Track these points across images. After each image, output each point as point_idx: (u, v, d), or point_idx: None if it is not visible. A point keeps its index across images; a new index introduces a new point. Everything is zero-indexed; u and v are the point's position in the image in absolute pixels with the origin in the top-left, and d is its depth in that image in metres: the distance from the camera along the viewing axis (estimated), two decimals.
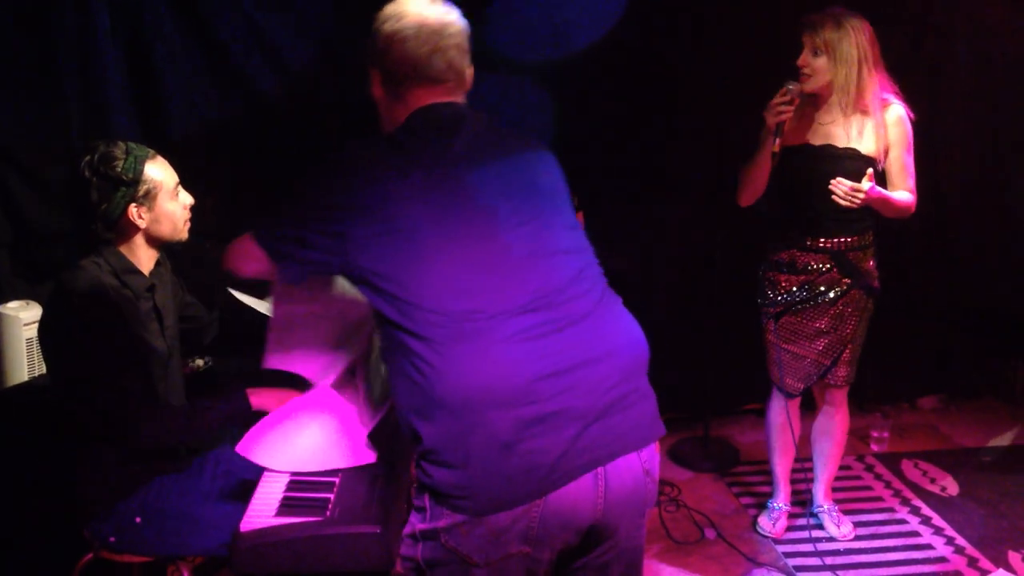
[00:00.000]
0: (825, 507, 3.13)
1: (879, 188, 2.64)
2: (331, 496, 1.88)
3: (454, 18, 1.74)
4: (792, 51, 3.52)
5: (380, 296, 1.60)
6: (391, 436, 2.07)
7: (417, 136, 1.69)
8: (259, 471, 2.08)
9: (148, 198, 2.12)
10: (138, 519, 2.12)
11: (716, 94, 3.57)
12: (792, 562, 2.96)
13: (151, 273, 2.22)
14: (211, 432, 2.18)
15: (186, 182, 3.22)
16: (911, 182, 2.75)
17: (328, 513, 1.82)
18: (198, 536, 2.10)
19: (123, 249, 2.16)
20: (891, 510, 3.28)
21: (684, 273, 3.74)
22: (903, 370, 4.07)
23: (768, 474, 3.21)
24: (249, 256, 1.76)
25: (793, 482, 3.16)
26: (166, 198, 2.16)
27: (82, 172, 2.08)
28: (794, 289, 2.86)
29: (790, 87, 2.68)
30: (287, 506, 1.85)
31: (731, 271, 3.69)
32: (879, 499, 3.34)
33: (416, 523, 1.62)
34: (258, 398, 2.22)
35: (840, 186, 2.60)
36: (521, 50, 3.36)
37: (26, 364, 2.80)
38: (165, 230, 2.18)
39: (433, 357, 1.55)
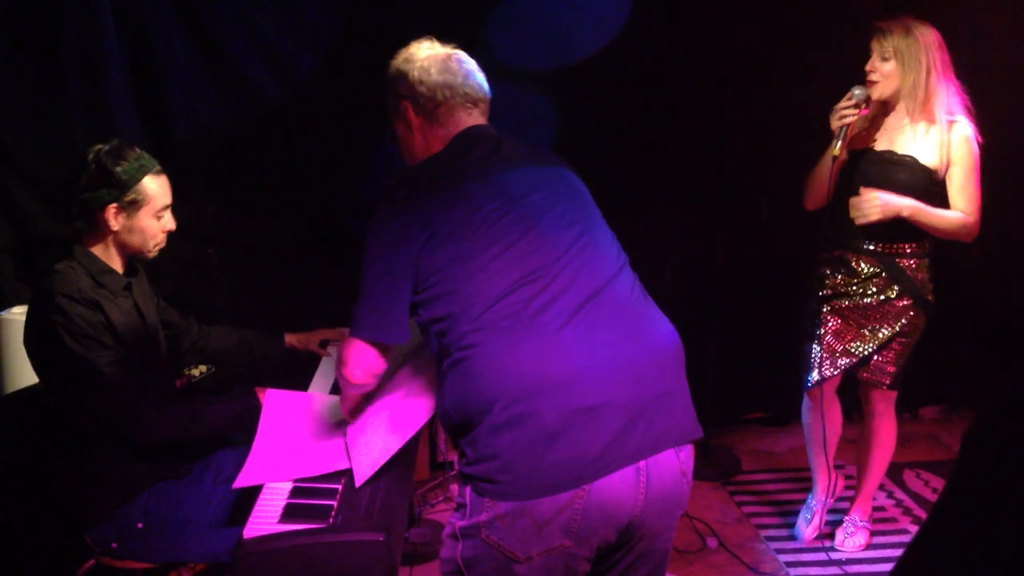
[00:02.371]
0: (855, 518, 3.11)
1: (909, 200, 2.62)
2: (334, 503, 1.87)
3: (461, 51, 1.92)
4: (785, 56, 3.55)
5: (436, 296, 1.65)
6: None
7: (462, 150, 1.81)
8: None
9: (131, 206, 2.12)
10: (140, 525, 2.12)
11: (718, 101, 3.57)
12: (794, 572, 2.95)
13: (125, 272, 2.22)
14: (214, 431, 2.18)
15: (188, 187, 3.25)
16: (970, 205, 2.67)
17: (331, 520, 1.81)
18: (200, 542, 2.10)
19: (95, 250, 2.16)
20: (893, 520, 3.27)
21: (684, 281, 3.74)
22: (904, 380, 4.06)
23: (770, 483, 3.20)
24: (365, 357, 1.72)
25: (804, 484, 3.15)
26: (148, 213, 2.15)
27: (87, 156, 2.10)
28: (839, 289, 2.86)
29: (856, 91, 2.69)
30: (290, 513, 1.84)
31: (732, 279, 3.70)
32: (881, 509, 3.33)
33: (456, 522, 1.65)
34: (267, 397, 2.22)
35: (852, 200, 2.62)
36: (523, 59, 3.37)
37: (31, 369, 2.79)
38: (134, 241, 2.16)
39: (489, 347, 1.59)
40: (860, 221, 2.64)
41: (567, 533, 1.57)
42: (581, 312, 1.63)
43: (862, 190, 2.66)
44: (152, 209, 2.15)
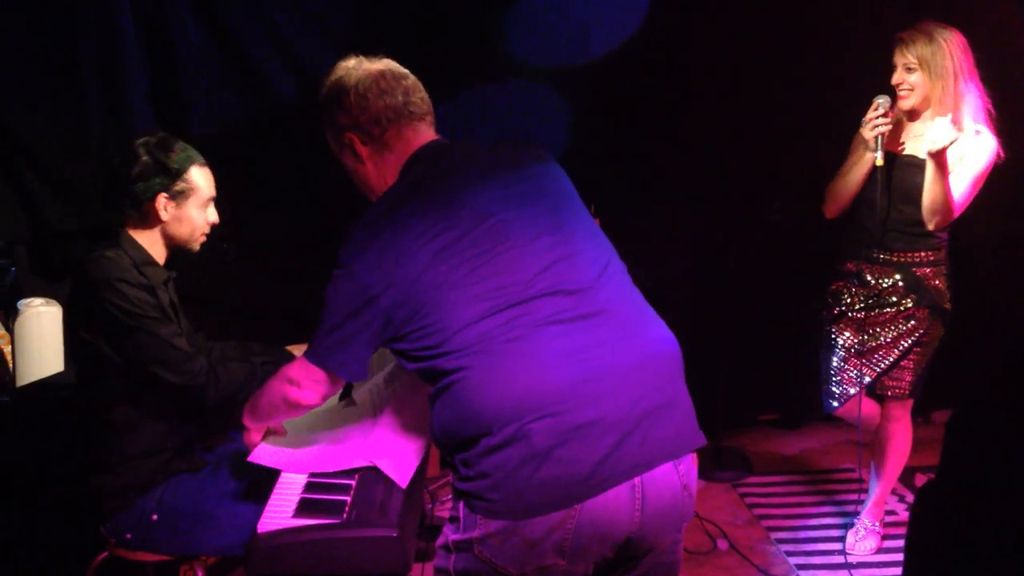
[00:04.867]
0: (867, 521, 3.10)
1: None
2: (348, 498, 1.88)
3: (394, 63, 1.83)
4: (803, 61, 3.54)
5: (414, 339, 1.62)
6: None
7: (420, 176, 1.72)
8: (275, 472, 2.09)
9: (181, 196, 2.17)
10: (155, 517, 2.13)
11: (729, 105, 3.57)
12: (804, 574, 2.94)
13: (165, 266, 2.26)
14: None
15: None
16: (959, 200, 2.68)
17: (345, 515, 1.82)
18: (213, 535, 2.11)
19: (140, 239, 2.19)
20: (905, 524, 3.25)
21: (696, 284, 3.74)
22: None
23: (781, 485, 3.20)
24: (312, 382, 1.74)
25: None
26: (195, 203, 2.20)
27: (135, 147, 2.14)
28: (856, 300, 2.85)
29: (879, 100, 2.68)
30: (304, 507, 1.85)
31: (744, 280, 3.69)
32: (892, 512, 3.32)
33: (449, 534, 1.63)
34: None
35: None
36: (537, 56, 3.37)
37: (48, 360, 2.81)
38: (182, 232, 2.22)
39: (474, 374, 1.56)
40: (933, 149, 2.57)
41: (560, 552, 1.55)
42: (566, 327, 1.58)
43: (938, 120, 2.59)
44: (199, 200, 2.20)
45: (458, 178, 1.71)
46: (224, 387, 2.15)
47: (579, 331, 1.59)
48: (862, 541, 3.07)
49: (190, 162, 2.18)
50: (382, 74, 1.78)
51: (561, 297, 1.60)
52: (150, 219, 2.18)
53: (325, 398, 1.79)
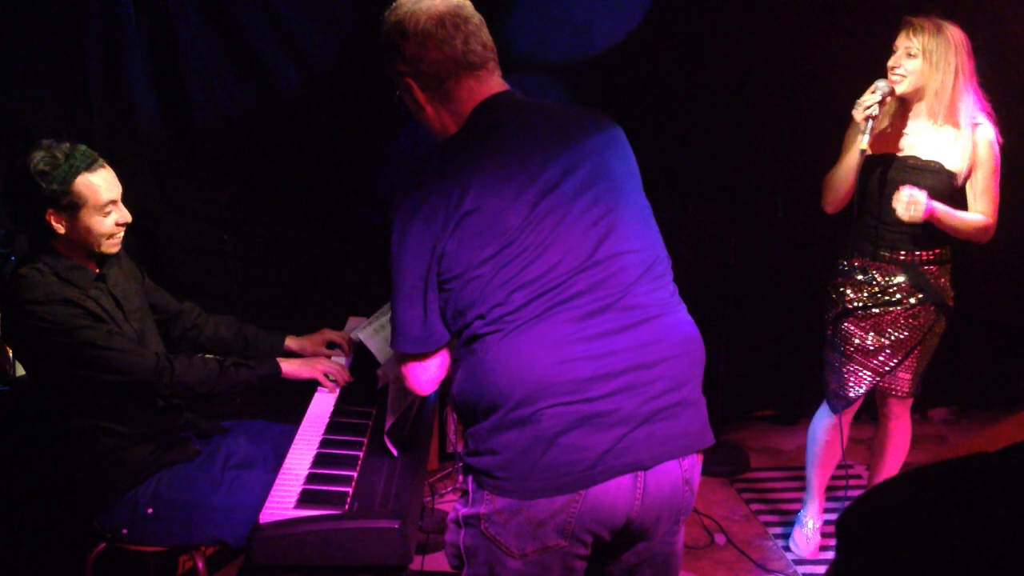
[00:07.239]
0: None
1: (939, 204, 2.59)
2: (349, 489, 1.88)
3: (463, 5, 1.70)
4: (803, 54, 3.53)
5: (454, 295, 1.59)
6: (410, 432, 2.07)
7: (484, 131, 1.65)
8: (272, 464, 2.09)
9: (69, 209, 2.06)
10: (150, 510, 2.13)
11: (729, 103, 3.56)
12: (801, 569, 2.95)
13: (99, 264, 2.19)
14: (232, 391, 2.21)
15: (205, 173, 3.26)
16: (990, 207, 2.68)
17: (347, 507, 1.82)
18: (211, 526, 2.11)
19: (61, 249, 2.12)
20: None
21: (696, 281, 3.73)
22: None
23: (778, 481, 3.20)
24: (422, 369, 1.65)
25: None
26: (90, 213, 2.08)
27: (25, 162, 2.04)
28: (861, 298, 2.83)
29: (879, 84, 2.65)
30: (306, 498, 1.85)
31: (745, 276, 3.70)
32: None
33: (459, 508, 1.64)
34: (289, 366, 2.26)
35: (902, 193, 2.56)
36: (541, 50, 3.37)
37: None
38: (86, 240, 2.11)
39: (496, 348, 1.56)
40: (907, 220, 2.59)
41: (562, 534, 1.57)
42: (598, 320, 1.57)
43: (902, 189, 2.58)
44: (93, 208, 2.08)
45: (530, 139, 1.63)
46: (179, 379, 2.10)
47: (610, 325, 1.58)
48: None
49: (75, 173, 2.04)
50: (442, 20, 1.64)
51: (601, 290, 1.59)
52: (50, 232, 2.08)
53: (438, 380, 1.68)
